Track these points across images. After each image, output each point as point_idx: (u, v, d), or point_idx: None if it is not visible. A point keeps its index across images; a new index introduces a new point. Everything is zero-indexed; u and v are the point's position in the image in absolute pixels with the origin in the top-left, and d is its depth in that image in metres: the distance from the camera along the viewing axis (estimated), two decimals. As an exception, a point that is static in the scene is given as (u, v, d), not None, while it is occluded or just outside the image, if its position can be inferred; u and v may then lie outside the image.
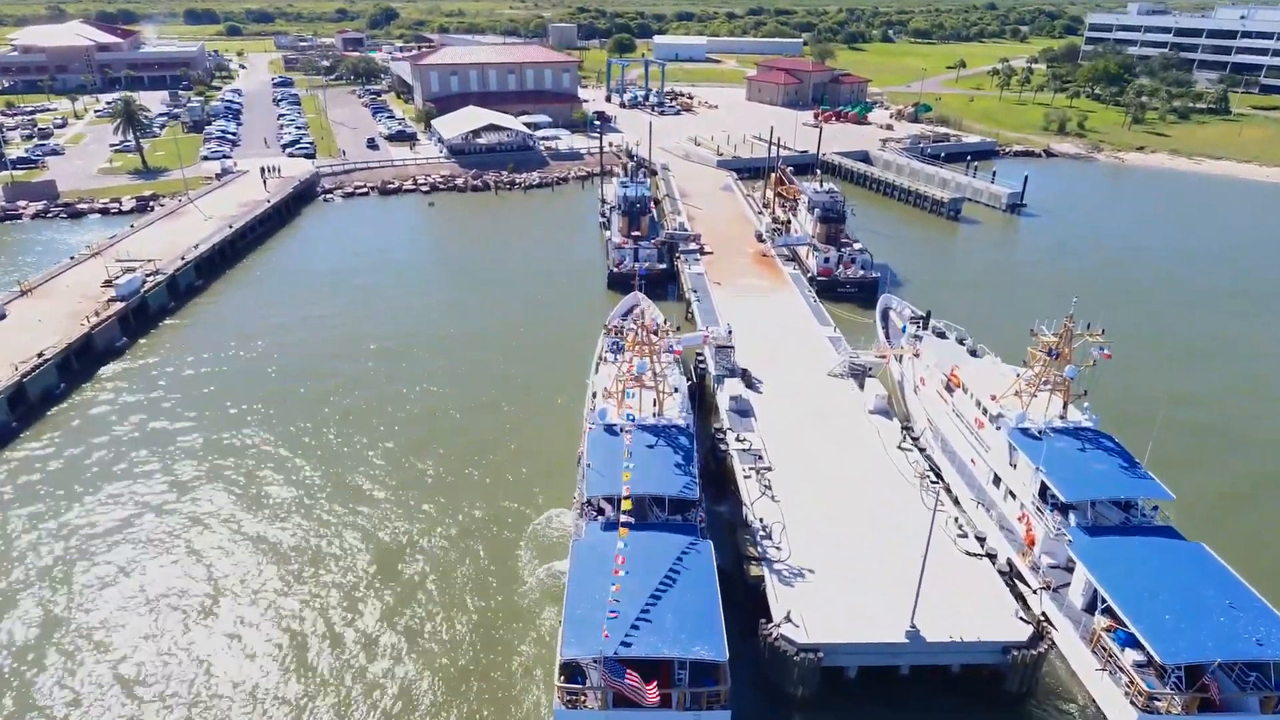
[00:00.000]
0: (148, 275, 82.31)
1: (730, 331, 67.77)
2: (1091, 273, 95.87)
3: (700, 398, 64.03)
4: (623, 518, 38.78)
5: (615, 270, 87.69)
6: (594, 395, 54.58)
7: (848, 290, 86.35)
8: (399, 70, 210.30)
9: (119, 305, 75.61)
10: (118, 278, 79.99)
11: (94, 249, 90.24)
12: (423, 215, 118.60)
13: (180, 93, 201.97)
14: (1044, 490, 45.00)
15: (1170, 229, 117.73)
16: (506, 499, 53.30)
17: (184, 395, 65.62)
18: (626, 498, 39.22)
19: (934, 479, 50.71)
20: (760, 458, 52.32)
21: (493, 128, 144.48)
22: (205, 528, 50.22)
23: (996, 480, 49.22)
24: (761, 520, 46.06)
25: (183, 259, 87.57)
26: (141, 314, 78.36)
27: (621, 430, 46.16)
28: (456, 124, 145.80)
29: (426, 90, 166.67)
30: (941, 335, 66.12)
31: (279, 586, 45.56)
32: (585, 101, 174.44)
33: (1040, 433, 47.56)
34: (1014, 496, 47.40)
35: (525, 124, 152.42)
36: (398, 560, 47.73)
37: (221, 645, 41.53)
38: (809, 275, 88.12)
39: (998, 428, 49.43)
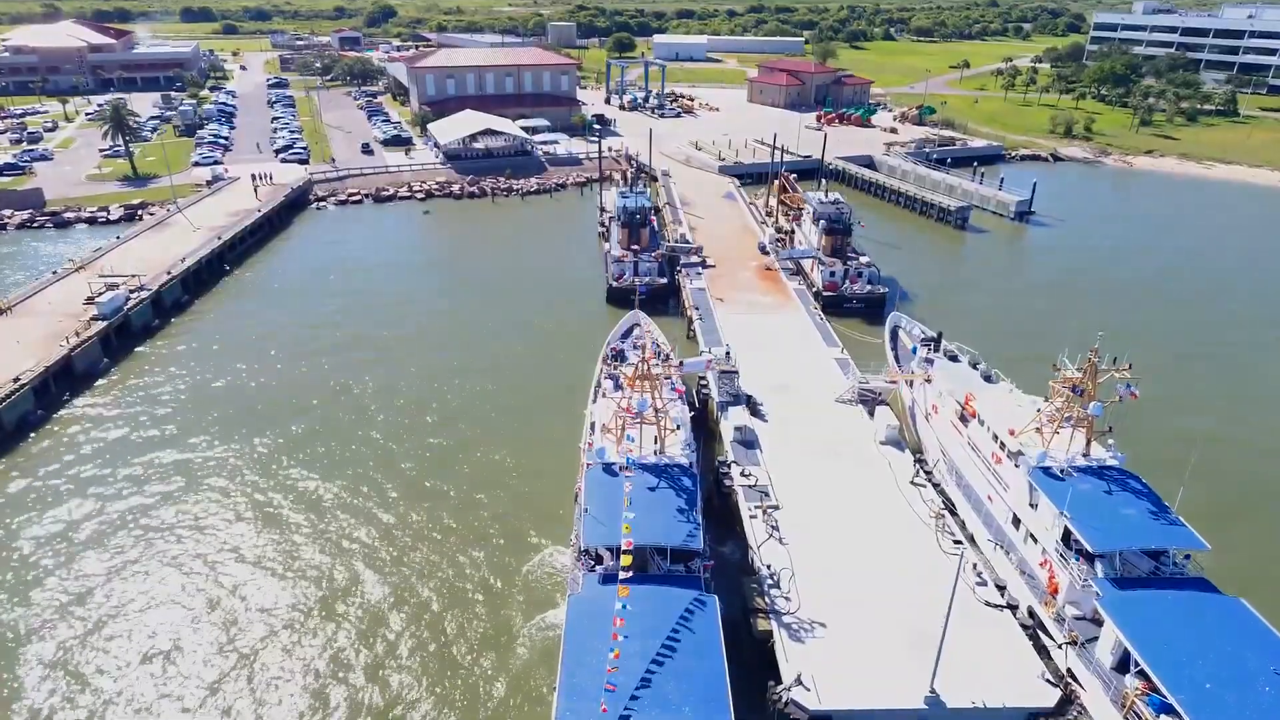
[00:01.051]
0: (131, 292, 79.68)
1: (729, 353, 65.28)
2: (1109, 290, 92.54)
3: (703, 423, 61.58)
4: (622, 574, 36.24)
5: (615, 285, 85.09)
6: (592, 426, 52.06)
7: (854, 306, 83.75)
8: (395, 72, 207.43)
9: (100, 325, 72.99)
10: (100, 294, 77.38)
11: (77, 263, 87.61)
12: (417, 224, 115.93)
13: (173, 94, 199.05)
14: (1068, 535, 42.46)
15: (1188, 239, 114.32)
16: (501, 536, 50.80)
17: (166, 422, 63.04)
18: (626, 552, 36.68)
19: (953, 531, 47.90)
20: (767, 495, 49.85)
21: (490, 132, 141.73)
22: (184, 568, 47.70)
23: (1016, 521, 46.64)
24: (769, 567, 43.58)
25: (169, 274, 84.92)
26: (124, 333, 75.76)
27: (621, 470, 43.73)
28: (453, 129, 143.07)
29: (422, 93, 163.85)
30: (954, 359, 63.49)
31: (261, 633, 43.07)
32: (584, 105, 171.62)
33: (1063, 472, 45.00)
34: (1035, 540, 44.84)
35: (523, 128, 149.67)
36: (383, 608, 45.20)
37: (196, 695, 39.03)
38: (814, 290, 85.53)
39: (1017, 465, 46.85)
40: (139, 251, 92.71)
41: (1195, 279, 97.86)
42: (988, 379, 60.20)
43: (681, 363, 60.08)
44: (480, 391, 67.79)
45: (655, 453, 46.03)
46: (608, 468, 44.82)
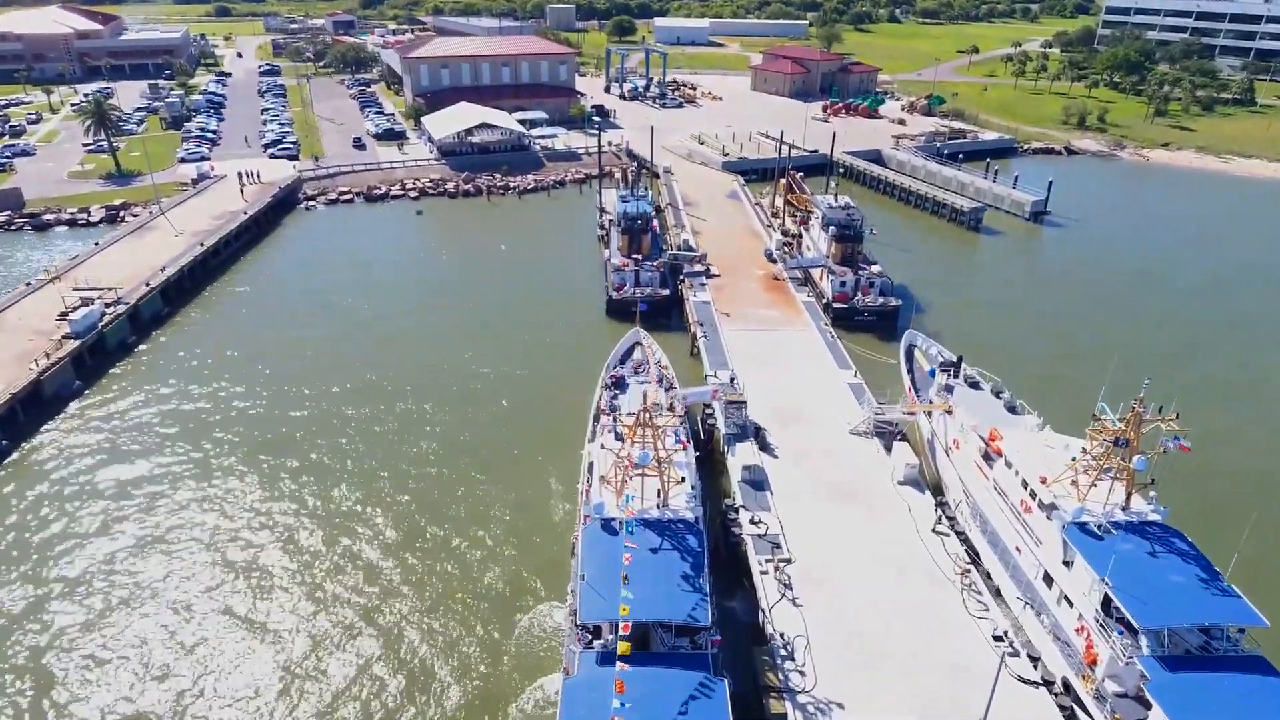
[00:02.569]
0: (107, 306, 75.80)
1: (734, 379, 61.57)
2: (1135, 304, 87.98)
3: (708, 456, 57.97)
4: (620, 665, 32.77)
5: (615, 296, 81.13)
6: (590, 467, 48.41)
7: (866, 319, 79.81)
8: (389, 59, 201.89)
9: (73, 344, 69.22)
10: (74, 309, 73.60)
11: (52, 273, 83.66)
12: (410, 225, 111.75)
13: (161, 83, 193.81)
14: (1108, 602, 38.95)
15: (1216, 245, 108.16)
16: (494, 587, 47.35)
17: (140, 454, 59.35)
18: (625, 638, 33.21)
19: (980, 591, 44.33)
20: (778, 546, 46.34)
21: (486, 126, 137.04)
22: (158, 620, 44.28)
23: (1048, 578, 43.10)
24: (783, 635, 40.12)
25: (147, 285, 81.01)
26: (99, 352, 72.02)
27: (621, 527, 40.22)
28: (447, 123, 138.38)
29: (416, 84, 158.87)
30: (975, 386, 59.83)
31: (241, 686, 39.72)
32: (583, 95, 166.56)
33: (1101, 528, 41.42)
34: (1070, 603, 41.35)
35: (520, 121, 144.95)
36: (364, 675, 41.79)
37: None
38: (823, 301, 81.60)
39: (1049, 518, 43.24)
40: (118, 259, 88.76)
41: (1228, 292, 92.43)
42: (1012, 410, 56.67)
43: (686, 395, 56.81)
44: (474, 420, 64.10)
45: (658, 505, 42.46)
46: (606, 524, 41.27)
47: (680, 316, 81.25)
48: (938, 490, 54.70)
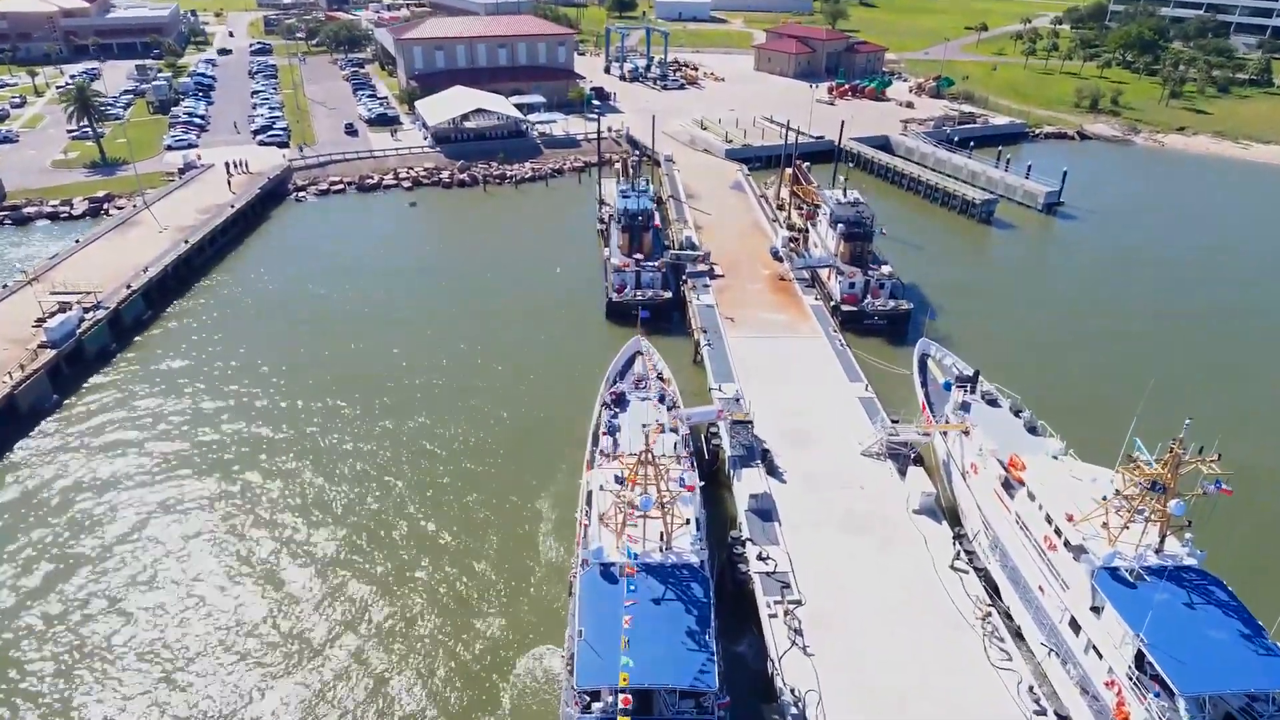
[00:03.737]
0: (86, 311, 72.68)
1: (741, 398, 58.82)
2: (1155, 305, 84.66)
3: (712, 473, 55.32)
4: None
5: (615, 299, 78.00)
6: (589, 498, 45.68)
7: (876, 323, 76.72)
8: (383, 39, 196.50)
9: (49, 354, 66.27)
10: (51, 315, 70.59)
11: (30, 275, 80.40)
12: (403, 217, 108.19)
13: (149, 63, 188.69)
14: (1141, 658, 36.43)
15: (1242, 240, 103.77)
16: (487, 627, 44.85)
17: (117, 480, 56.49)
18: (625, 712, 30.71)
19: (1002, 638, 41.73)
20: (788, 586, 43.76)
21: (481, 112, 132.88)
22: (125, 664, 41.88)
23: (1074, 624, 40.54)
24: (794, 691, 37.63)
25: (128, 288, 77.80)
26: (77, 361, 69.00)
27: (621, 574, 37.69)
28: (442, 108, 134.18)
29: (410, 67, 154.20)
30: (993, 403, 57.05)
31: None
32: (582, 78, 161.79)
33: (1133, 574, 38.79)
34: (1099, 654, 38.83)
35: (517, 106, 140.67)
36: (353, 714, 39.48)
37: None
38: (831, 304, 78.47)
39: (1077, 560, 40.64)
40: (99, 258, 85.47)
41: (1261, 300, 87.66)
42: (1032, 430, 53.99)
43: (690, 415, 54.10)
44: (469, 438, 61.26)
45: (661, 548, 39.81)
46: (606, 571, 38.65)
47: (683, 320, 78.23)
48: (954, 517, 52.10)
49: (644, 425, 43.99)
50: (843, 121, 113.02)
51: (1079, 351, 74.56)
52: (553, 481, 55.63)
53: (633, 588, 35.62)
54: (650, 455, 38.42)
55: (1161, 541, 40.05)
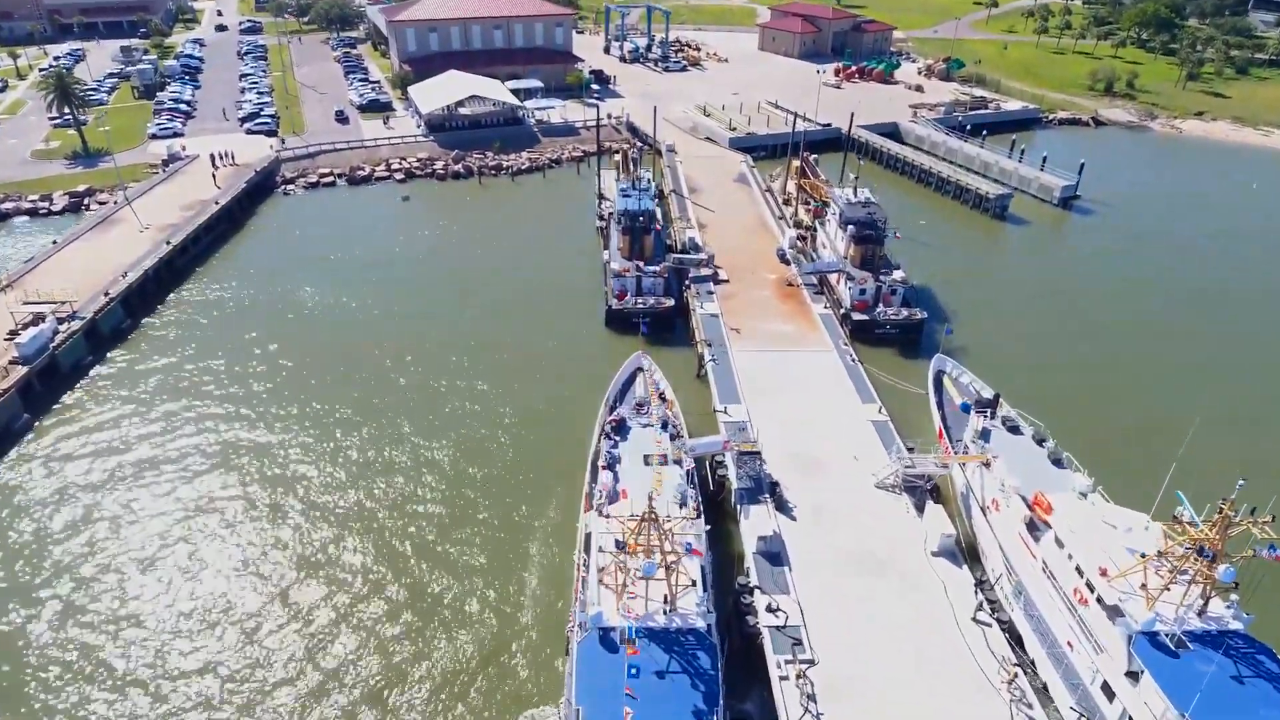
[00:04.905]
0: (61, 322, 69.38)
1: (748, 425, 55.90)
2: (1178, 315, 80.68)
3: (718, 502, 52.38)
4: None
5: (615, 307, 74.58)
6: (587, 543, 42.75)
7: (888, 332, 73.30)
8: (375, 18, 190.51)
9: (21, 370, 63.05)
10: (23, 326, 67.37)
11: (3, 281, 76.88)
12: (395, 213, 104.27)
13: (135, 44, 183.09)
14: (1185, 734, 33.70)
15: (1274, 240, 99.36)
16: (479, 687, 42.13)
17: (95, 499, 53.79)
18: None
19: (1030, 704, 38.84)
20: (799, 643, 40.93)
21: (476, 99, 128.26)
22: (106, 679, 39.30)
23: (1108, 689, 37.75)
24: (807, 768, 34.98)
25: (106, 295, 74.41)
26: (51, 377, 65.79)
27: (622, 642, 34.88)
28: (435, 94, 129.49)
29: (402, 50, 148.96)
30: (1015, 430, 53.98)
31: None
32: (581, 61, 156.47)
33: (1174, 640, 35.95)
34: (1136, 725, 36.11)
35: (513, 91, 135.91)
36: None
37: None
38: (841, 311, 75.04)
39: (1113, 621, 37.76)
40: (77, 261, 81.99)
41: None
42: (1057, 463, 50.98)
43: (694, 447, 51.10)
44: (458, 465, 58.24)
45: (664, 612, 36.92)
46: (605, 637, 35.82)
47: (685, 328, 74.87)
48: (973, 553, 49.24)
49: (645, 457, 41.03)
50: (852, 114, 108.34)
51: (1104, 373, 69.73)
52: (547, 513, 52.77)
53: (634, 670, 32.76)
54: (653, 514, 35.32)
55: (1205, 603, 37.21)
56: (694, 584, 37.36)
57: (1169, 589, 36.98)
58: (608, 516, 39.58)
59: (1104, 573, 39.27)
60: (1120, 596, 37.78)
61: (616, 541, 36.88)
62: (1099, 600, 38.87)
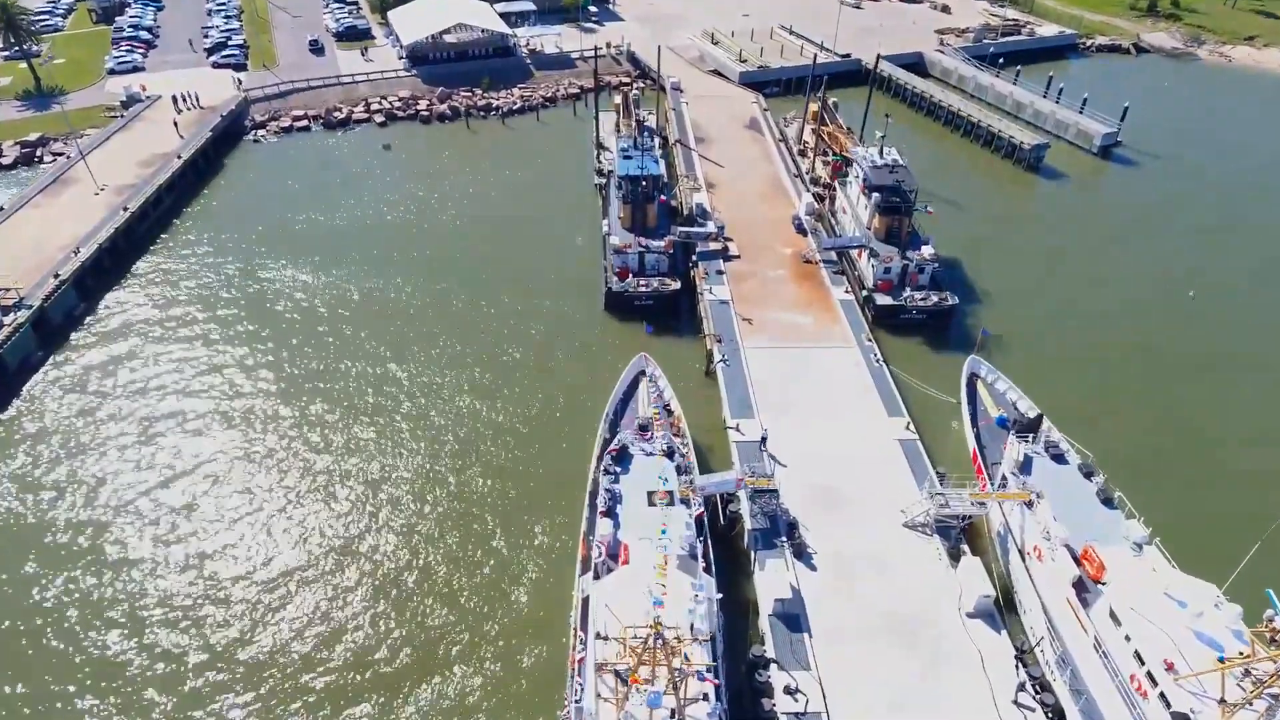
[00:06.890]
0: (6, 311, 63.01)
1: (765, 439, 50.61)
2: (1236, 303, 70.69)
3: (729, 539, 47.53)
4: None
5: (615, 288, 67.86)
6: (585, 619, 37.98)
7: (914, 317, 66.84)
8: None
9: (-40, 375, 57.34)
10: (-36, 319, 61.19)
11: (-59, 261, 70.01)
12: (376, 163, 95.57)
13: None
14: None
15: None
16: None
17: (43, 521, 48.92)
18: None
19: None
20: (822, 734, 36.67)
21: (463, 27, 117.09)
22: None
23: (1170, 799, 33.68)
24: None
25: (56, 277, 67.63)
26: (-5, 378, 60.10)
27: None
28: (418, 21, 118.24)
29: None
30: (1059, 458, 48.49)
31: None
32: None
33: (1253, 757, 31.57)
34: None
35: (502, 15, 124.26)
36: None
37: None
38: (864, 292, 68.43)
39: (1179, 728, 33.32)
40: (25, 230, 74.80)
41: None
42: (1108, 502, 45.72)
43: (704, 485, 45.91)
44: (432, 495, 53.09)
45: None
46: (603, 752, 31.39)
47: (692, 312, 68.41)
48: (1009, 600, 44.63)
49: (649, 494, 36.07)
50: (878, 55, 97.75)
51: (1157, 389, 60.37)
52: (539, 541, 47.98)
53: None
54: (660, 639, 30.20)
55: (1290, 713, 32.64)
56: (705, 697, 32.61)
57: (1250, 704, 32.32)
58: (608, 551, 35.00)
59: (1170, 666, 34.63)
60: (1192, 706, 33.18)
61: (618, 673, 31.90)
62: (1162, 697, 34.38)
